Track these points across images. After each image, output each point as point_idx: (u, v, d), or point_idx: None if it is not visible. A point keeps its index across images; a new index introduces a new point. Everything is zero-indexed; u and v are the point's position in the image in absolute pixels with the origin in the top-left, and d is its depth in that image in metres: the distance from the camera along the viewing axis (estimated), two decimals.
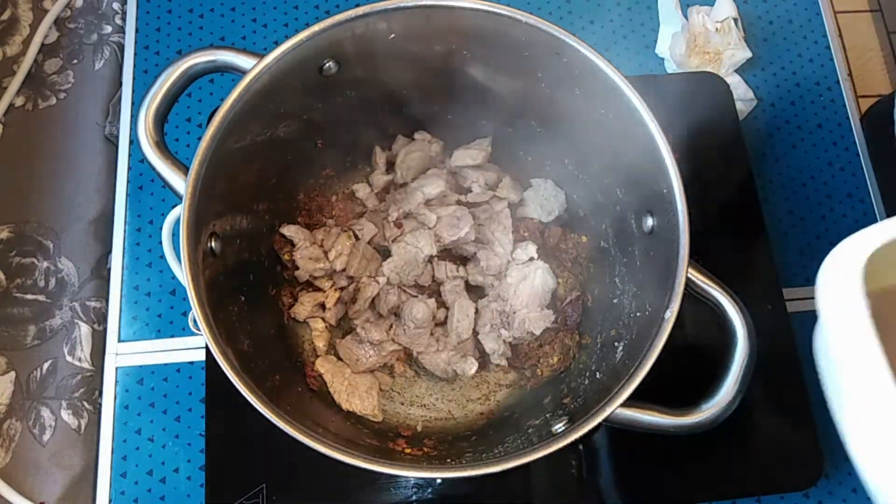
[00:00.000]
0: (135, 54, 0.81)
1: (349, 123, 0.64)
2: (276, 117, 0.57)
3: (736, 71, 0.81)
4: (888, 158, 0.78)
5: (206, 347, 0.54)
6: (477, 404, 0.64)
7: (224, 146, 0.51)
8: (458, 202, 0.67)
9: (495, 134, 0.67)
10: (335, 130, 0.64)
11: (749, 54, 0.80)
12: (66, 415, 0.67)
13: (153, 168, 0.51)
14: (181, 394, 0.68)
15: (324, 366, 0.62)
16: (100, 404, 0.68)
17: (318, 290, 0.65)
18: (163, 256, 0.69)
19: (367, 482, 0.61)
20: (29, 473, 0.65)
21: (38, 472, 0.65)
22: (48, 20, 0.81)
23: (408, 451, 0.57)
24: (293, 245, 0.64)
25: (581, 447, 0.63)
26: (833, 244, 0.44)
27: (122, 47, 0.81)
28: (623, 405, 0.46)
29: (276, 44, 0.52)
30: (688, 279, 0.48)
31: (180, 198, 0.49)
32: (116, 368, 0.69)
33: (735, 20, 0.80)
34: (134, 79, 0.80)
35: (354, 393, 0.61)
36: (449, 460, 0.55)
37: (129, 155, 0.76)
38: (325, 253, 0.65)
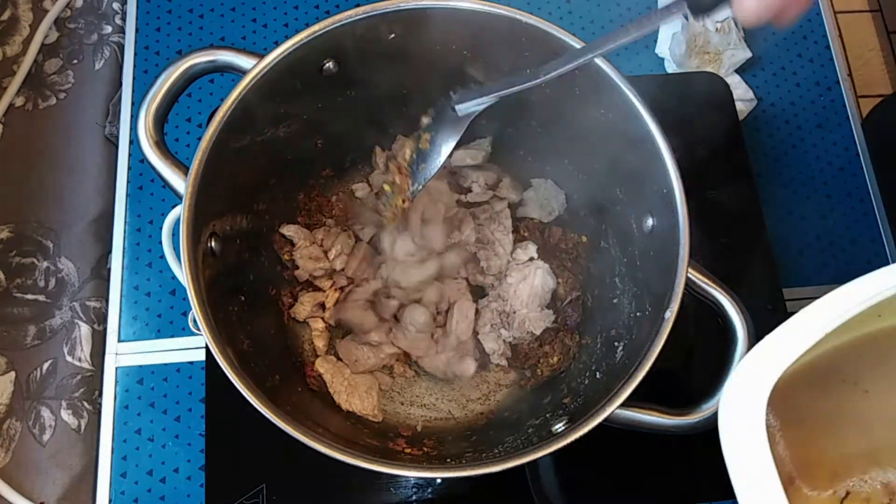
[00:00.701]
0: (135, 54, 0.81)
1: (349, 123, 0.64)
2: (276, 117, 0.57)
3: (736, 71, 0.81)
4: (889, 159, 0.78)
5: (206, 347, 0.54)
6: (477, 404, 0.64)
7: (224, 146, 0.51)
8: (458, 202, 0.67)
9: (495, 134, 0.67)
10: (335, 130, 0.64)
11: (749, 54, 0.79)
12: (66, 415, 0.67)
13: (153, 168, 0.51)
14: (181, 394, 0.68)
15: (324, 366, 0.62)
16: (100, 404, 0.68)
17: (318, 290, 0.65)
18: (163, 256, 0.69)
19: (367, 482, 0.61)
20: (29, 473, 0.65)
21: (38, 472, 0.65)
22: (48, 20, 0.81)
23: (408, 451, 0.57)
24: (293, 245, 0.64)
25: None
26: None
27: (122, 47, 0.81)
28: (623, 405, 0.46)
29: (276, 44, 0.52)
30: (688, 279, 0.48)
31: (180, 198, 0.49)
32: (116, 368, 0.69)
33: (735, 20, 0.80)
34: (134, 79, 0.80)
35: (354, 393, 0.61)
36: (449, 460, 0.54)
37: (129, 155, 0.76)
38: (325, 253, 0.65)
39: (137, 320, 0.70)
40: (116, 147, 0.77)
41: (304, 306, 0.64)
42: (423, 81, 0.61)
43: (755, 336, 0.49)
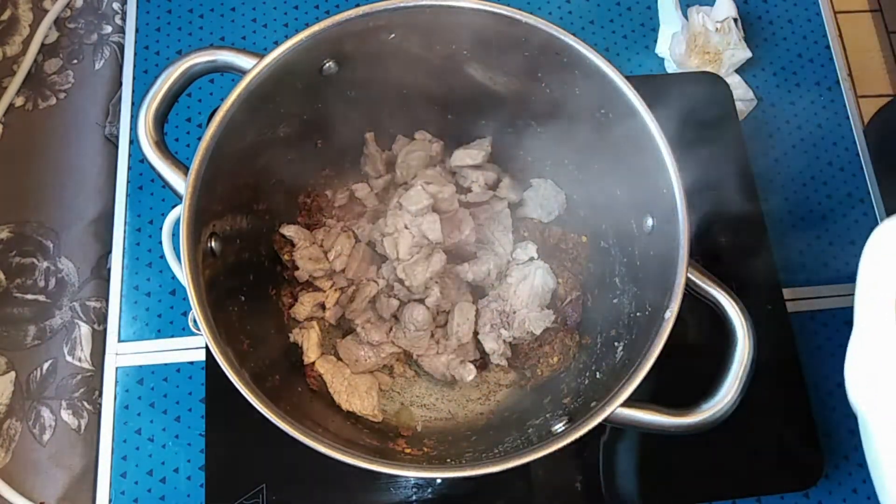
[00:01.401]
0: (135, 54, 0.81)
1: (349, 123, 0.64)
2: (276, 117, 0.57)
3: (736, 71, 0.81)
4: (890, 159, 0.78)
5: (206, 347, 0.54)
6: (477, 404, 0.64)
7: (224, 146, 0.51)
8: (458, 202, 0.67)
9: (495, 134, 0.67)
10: (335, 130, 0.64)
11: (749, 54, 0.79)
12: (66, 415, 0.67)
13: (153, 168, 0.51)
14: (181, 394, 0.68)
15: (324, 366, 0.62)
16: (100, 404, 0.68)
17: (318, 290, 0.65)
18: (163, 256, 0.69)
19: (367, 482, 0.61)
20: (29, 473, 0.65)
21: (38, 472, 0.65)
22: (48, 20, 0.81)
23: (408, 451, 0.57)
24: (293, 245, 0.64)
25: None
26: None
27: (122, 47, 0.81)
28: (623, 405, 0.46)
29: (276, 44, 0.52)
30: (688, 279, 0.48)
31: (180, 198, 0.49)
32: (116, 368, 0.69)
33: (735, 20, 0.80)
34: (134, 79, 0.80)
35: (354, 393, 0.61)
36: (449, 460, 0.55)
37: (129, 155, 0.76)
38: (325, 253, 0.65)
39: (137, 320, 0.70)
40: (116, 147, 0.77)
41: (304, 306, 0.64)
42: (423, 81, 0.61)
43: (755, 336, 0.49)
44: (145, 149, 0.52)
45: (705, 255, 0.68)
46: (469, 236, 0.65)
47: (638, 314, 0.55)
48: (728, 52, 0.79)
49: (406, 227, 0.62)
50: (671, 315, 0.47)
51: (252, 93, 0.51)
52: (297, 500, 0.61)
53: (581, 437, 0.46)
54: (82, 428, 0.67)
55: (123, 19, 0.82)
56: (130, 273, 0.72)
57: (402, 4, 0.52)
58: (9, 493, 0.64)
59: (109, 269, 0.72)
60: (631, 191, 0.58)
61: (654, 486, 0.63)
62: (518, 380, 0.65)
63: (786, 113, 0.81)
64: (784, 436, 0.64)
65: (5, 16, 0.81)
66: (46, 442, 0.66)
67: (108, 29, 0.82)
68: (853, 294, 0.47)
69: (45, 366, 0.69)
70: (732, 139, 0.72)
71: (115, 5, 0.83)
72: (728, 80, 0.76)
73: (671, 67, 0.81)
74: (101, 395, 0.68)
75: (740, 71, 0.81)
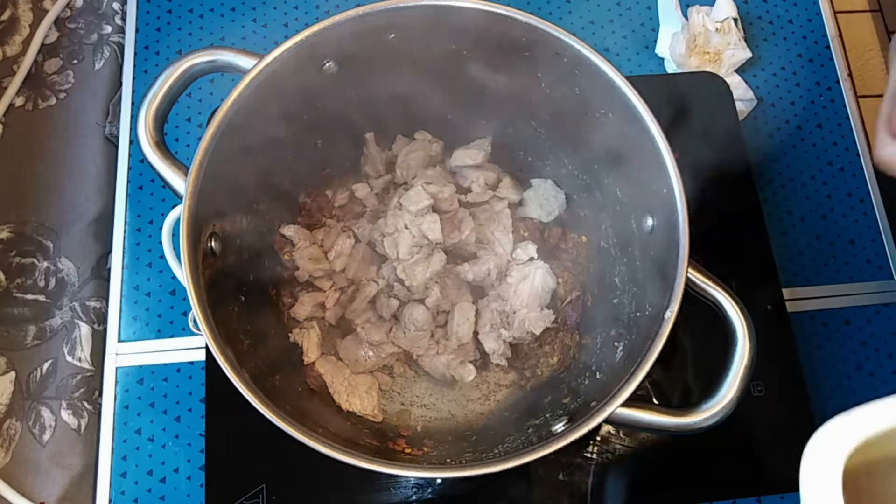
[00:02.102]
0: (135, 54, 0.81)
1: (349, 123, 0.64)
2: (275, 117, 0.57)
3: (736, 71, 0.81)
4: None
5: (206, 347, 0.54)
6: (477, 404, 0.64)
7: (224, 146, 0.51)
8: (458, 202, 0.67)
9: (495, 134, 0.67)
10: (335, 130, 0.64)
11: (749, 54, 0.79)
12: (66, 415, 0.67)
13: (153, 168, 0.51)
14: (181, 394, 0.68)
15: (324, 366, 0.62)
16: (100, 404, 0.68)
17: (318, 290, 0.65)
18: (163, 256, 0.69)
19: (367, 482, 0.61)
20: (29, 473, 0.65)
21: (38, 472, 0.65)
22: (48, 20, 0.81)
23: (408, 451, 0.57)
24: (293, 245, 0.64)
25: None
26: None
27: (122, 47, 0.81)
28: (623, 405, 0.46)
29: (276, 44, 0.52)
30: (688, 279, 0.48)
31: (180, 198, 0.49)
32: (116, 368, 0.69)
33: (735, 20, 0.80)
34: (134, 79, 0.80)
35: (354, 393, 0.61)
36: (449, 460, 0.55)
37: (129, 155, 0.76)
38: (325, 253, 0.65)
39: (137, 320, 0.70)
40: (116, 147, 0.77)
41: (304, 306, 0.64)
42: (423, 81, 0.61)
43: (755, 336, 0.49)
44: (145, 149, 0.52)
45: (705, 255, 0.68)
46: (469, 236, 0.65)
47: (638, 314, 0.55)
48: (728, 52, 0.79)
49: (406, 227, 0.62)
50: (671, 315, 0.47)
51: (252, 93, 0.51)
52: (297, 500, 0.61)
53: (581, 438, 0.46)
54: (82, 428, 0.67)
55: (123, 19, 0.82)
56: (130, 273, 0.72)
57: (402, 4, 0.52)
58: (9, 493, 0.64)
59: (109, 269, 0.72)
60: (631, 191, 0.58)
61: (654, 485, 0.63)
62: (518, 380, 0.65)
63: (786, 113, 0.81)
64: (784, 435, 0.64)
65: (5, 16, 0.81)
66: (46, 442, 0.66)
67: (108, 29, 0.82)
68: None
69: (45, 366, 0.69)
70: (732, 139, 0.72)
71: (115, 5, 0.83)
72: (728, 80, 0.76)
73: (671, 67, 0.81)
74: (101, 395, 0.68)
75: (740, 71, 0.81)
